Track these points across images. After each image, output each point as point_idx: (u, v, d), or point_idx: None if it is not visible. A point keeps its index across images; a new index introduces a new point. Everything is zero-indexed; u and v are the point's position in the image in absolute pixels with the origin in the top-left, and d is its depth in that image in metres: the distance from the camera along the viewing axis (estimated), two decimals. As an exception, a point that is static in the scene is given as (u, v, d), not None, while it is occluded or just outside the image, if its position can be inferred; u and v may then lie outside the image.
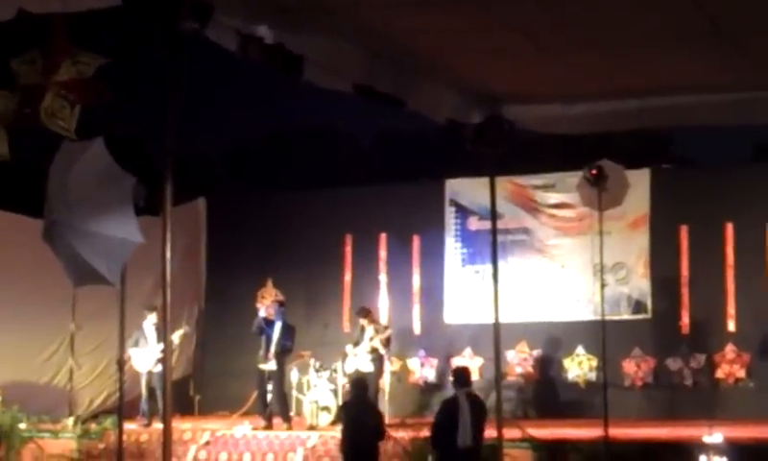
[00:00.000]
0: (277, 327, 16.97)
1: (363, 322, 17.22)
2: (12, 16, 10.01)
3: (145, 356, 17.06)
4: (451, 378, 13.00)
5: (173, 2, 8.97)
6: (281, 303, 17.94)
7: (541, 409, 18.94)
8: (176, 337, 17.59)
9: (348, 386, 16.44)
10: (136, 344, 17.15)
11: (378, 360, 16.89)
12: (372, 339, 16.87)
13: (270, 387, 16.84)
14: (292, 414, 17.29)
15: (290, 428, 16.52)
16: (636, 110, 13.95)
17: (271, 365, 16.80)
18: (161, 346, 16.39)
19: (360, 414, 12.42)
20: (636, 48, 11.82)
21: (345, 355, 17.11)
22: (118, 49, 14.05)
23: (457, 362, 18.75)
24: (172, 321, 9.13)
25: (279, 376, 16.88)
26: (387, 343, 17.20)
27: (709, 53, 11.83)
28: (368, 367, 16.56)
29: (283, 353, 16.93)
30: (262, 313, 17.29)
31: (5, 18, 10.12)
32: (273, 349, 16.80)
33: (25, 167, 13.98)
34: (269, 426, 16.66)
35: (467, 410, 11.52)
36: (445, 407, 11.86)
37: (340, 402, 16.58)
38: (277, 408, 16.85)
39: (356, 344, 17.03)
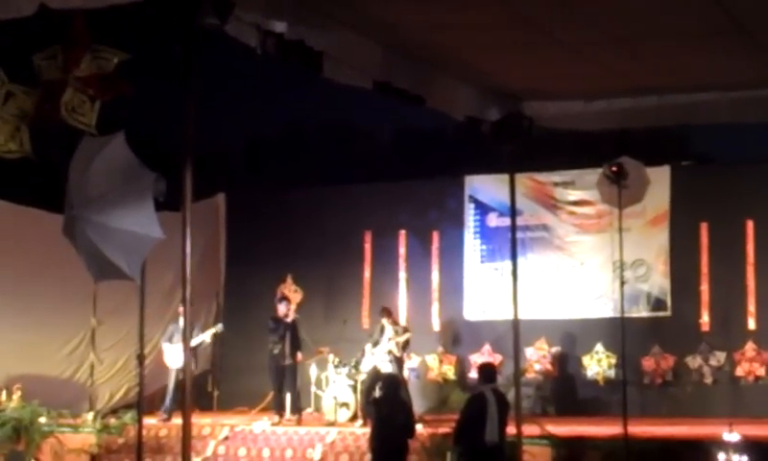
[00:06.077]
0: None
1: (384, 321, 17.11)
2: (33, 12, 10.06)
3: (177, 352, 16.66)
4: (477, 375, 12.97)
5: (193, -2, 9.00)
6: (283, 298, 18.01)
7: (560, 406, 18.90)
8: (207, 336, 17.57)
9: (366, 382, 16.45)
10: (170, 339, 17.07)
11: (396, 362, 16.83)
12: (390, 340, 16.82)
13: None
14: (311, 410, 17.30)
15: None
16: (656, 107, 13.91)
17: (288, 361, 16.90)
18: (195, 342, 16.38)
19: (391, 411, 12.43)
20: (655, 44, 11.79)
21: (363, 353, 17.08)
22: (138, 44, 14.07)
23: (476, 359, 18.78)
24: (193, 316, 9.14)
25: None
26: (404, 346, 17.13)
27: (729, 50, 11.78)
28: (386, 368, 16.48)
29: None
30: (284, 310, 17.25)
31: (26, 14, 10.16)
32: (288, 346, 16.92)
33: (45, 163, 14.02)
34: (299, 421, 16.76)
35: (494, 406, 11.55)
36: (474, 403, 11.85)
37: (359, 398, 16.60)
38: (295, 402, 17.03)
39: (375, 344, 16.96)
